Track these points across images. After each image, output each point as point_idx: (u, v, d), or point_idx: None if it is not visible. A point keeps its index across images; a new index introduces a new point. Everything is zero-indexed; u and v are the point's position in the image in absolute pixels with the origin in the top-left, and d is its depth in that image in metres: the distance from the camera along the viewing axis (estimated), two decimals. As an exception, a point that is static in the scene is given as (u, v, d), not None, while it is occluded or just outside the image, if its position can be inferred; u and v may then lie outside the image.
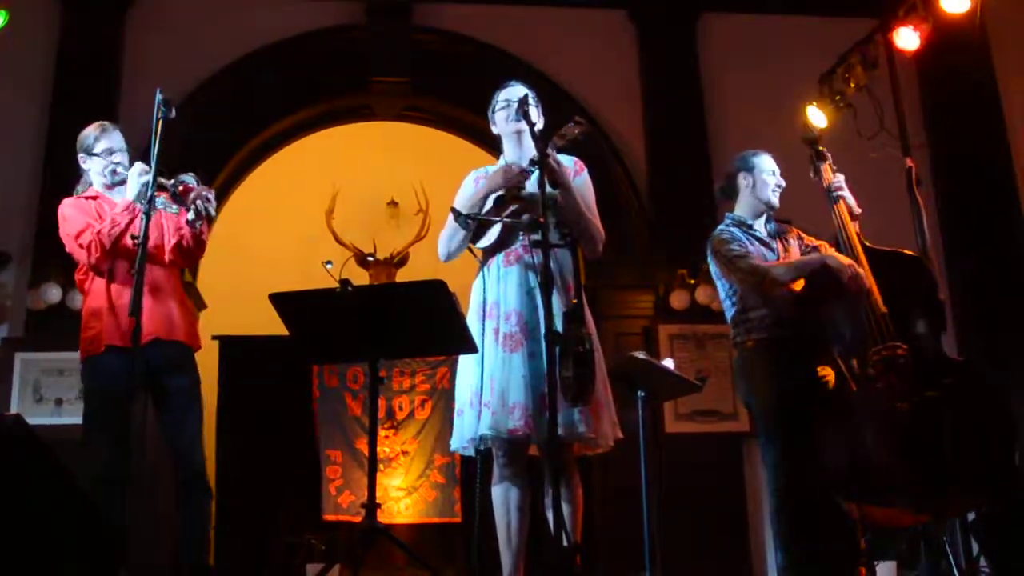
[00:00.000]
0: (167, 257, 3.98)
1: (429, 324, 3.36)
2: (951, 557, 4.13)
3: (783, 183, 4.28)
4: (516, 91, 3.67)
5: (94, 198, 4.07)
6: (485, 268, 3.60)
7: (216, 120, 6.45)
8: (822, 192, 4.32)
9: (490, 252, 3.60)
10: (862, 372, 3.89)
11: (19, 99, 6.44)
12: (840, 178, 4.28)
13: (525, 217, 3.44)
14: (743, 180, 4.29)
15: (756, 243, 4.17)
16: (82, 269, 4.00)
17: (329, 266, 7.13)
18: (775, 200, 4.24)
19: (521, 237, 3.52)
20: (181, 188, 3.81)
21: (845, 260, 3.94)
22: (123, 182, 4.00)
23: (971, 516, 4.36)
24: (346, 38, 6.88)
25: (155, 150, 3.71)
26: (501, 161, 3.78)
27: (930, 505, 3.67)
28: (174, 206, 3.92)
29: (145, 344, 3.80)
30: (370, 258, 8.34)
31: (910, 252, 4.22)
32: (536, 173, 3.33)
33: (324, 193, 8.44)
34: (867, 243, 4.15)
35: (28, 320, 6.02)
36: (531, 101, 3.62)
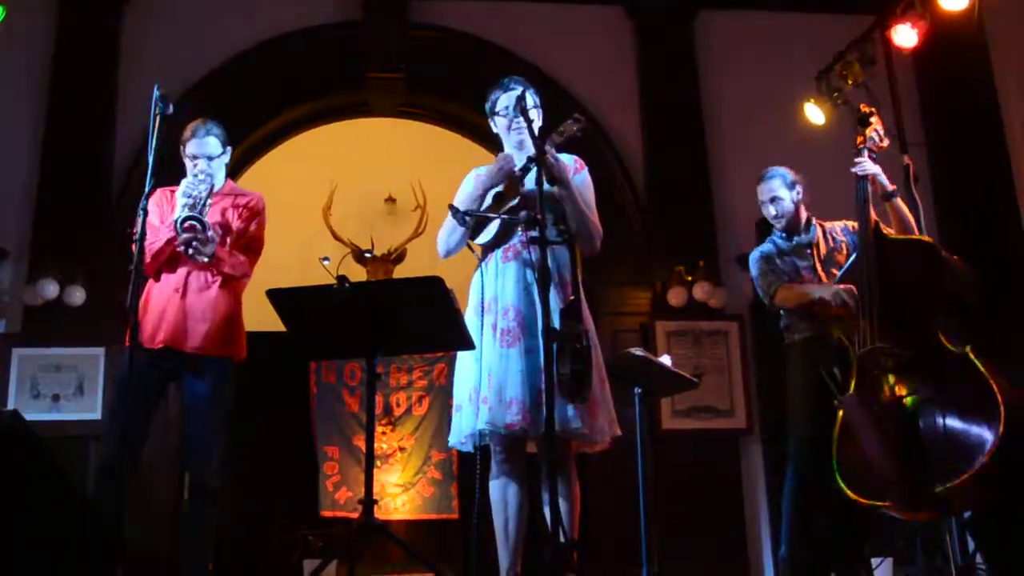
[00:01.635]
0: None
1: (426, 321, 3.36)
2: (948, 554, 4.14)
3: (772, 208, 4.46)
4: (513, 95, 3.65)
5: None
6: (483, 264, 3.60)
7: (213, 116, 6.40)
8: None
9: (488, 248, 3.60)
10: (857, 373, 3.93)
11: (16, 94, 6.43)
12: (862, 161, 4.26)
13: (523, 214, 3.43)
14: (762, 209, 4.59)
15: (790, 254, 4.42)
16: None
17: (326, 262, 7.11)
18: (778, 224, 4.49)
19: (519, 233, 3.53)
20: (187, 224, 3.84)
21: (832, 289, 4.09)
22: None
23: (967, 513, 4.36)
24: (343, 34, 6.87)
25: (152, 145, 3.71)
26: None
27: (924, 504, 3.67)
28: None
29: (160, 349, 3.87)
30: (367, 254, 8.35)
31: (923, 239, 4.19)
32: (535, 170, 3.33)
33: (321, 189, 8.45)
34: (884, 230, 4.15)
35: (25, 316, 6.01)
36: (529, 99, 3.61)
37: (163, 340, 3.87)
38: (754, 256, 4.51)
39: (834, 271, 4.31)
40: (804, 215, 4.48)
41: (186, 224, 3.84)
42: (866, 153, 4.27)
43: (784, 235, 4.48)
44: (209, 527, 3.97)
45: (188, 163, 4.10)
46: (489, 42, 6.94)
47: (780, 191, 4.43)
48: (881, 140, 4.33)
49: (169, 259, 3.96)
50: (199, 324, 3.92)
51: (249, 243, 4.13)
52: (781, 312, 4.46)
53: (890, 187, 4.24)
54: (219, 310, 3.97)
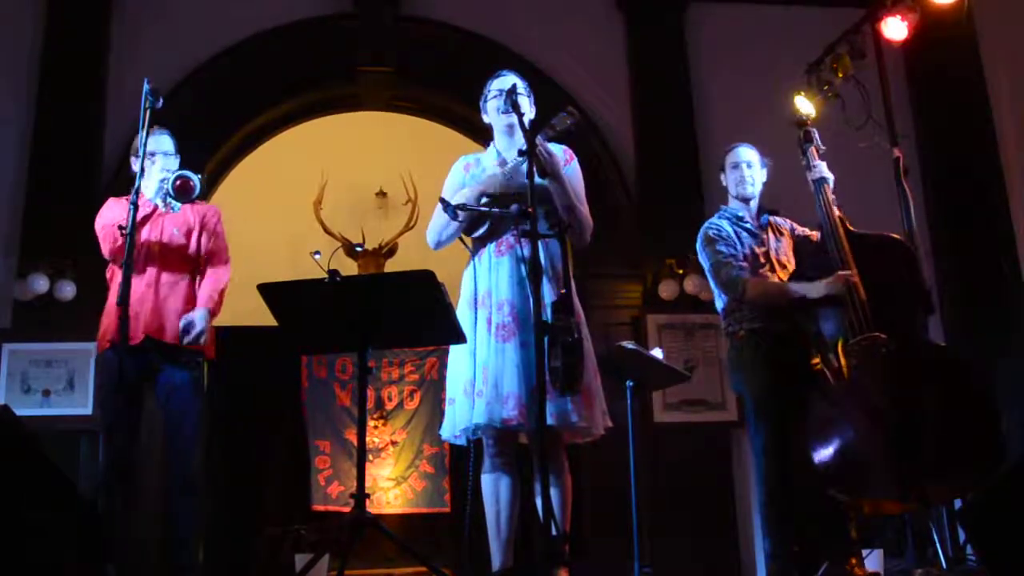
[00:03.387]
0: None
1: (418, 314, 3.36)
2: (938, 545, 4.17)
3: (748, 173, 4.34)
4: (507, 81, 3.67)
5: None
6: (476, 258, 3.60)
7: (203, 110, 6.42)
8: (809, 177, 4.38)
9: (481, 242, 3.59)
10: (845, 362, 3.93)
11: (5, 88, 6.40)
12: (818, 168, 4.30)
13: (514, 207, 3.43)
14: (723, 179, 4.45)
15: (745, 234, 4.26)
16: (109, 267, 4.11)
17: (317, 256, 7.10)
18: (746, 191, 4.33)
19: (512, 227, 3.52)
20: (179, 183, 3.90)
21: (821, 284, 4.01)
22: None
23: (958, 504, 4.39)
24: (334, 27, 6.85)
25: (143, 139, 3.72)
26: (491, 150, 3.76)
27: (913, 495, 3.69)
28: (177, 204, 3.97)
29: (141, 341, 3.93)
30: (359, 248, 8.33)
31: (894, 236, 4.22)
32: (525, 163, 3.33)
33: (312, 183, 8.43)
34: (851, 228, 4.16)
35: (15, 311, 5.99)
36: (522, 91, 3.61)
37: (144, 331, 3.95)
38: (709, 232, 4.28)
39: (784, 260, 4.25)
40: (757, 202, 4.38)
41: (177, 183, 3.90)
42: (813, 150, 4.30)
43: (740, 215, 4.33)
44: (196, 517, 4.02)
45: (146, 162, 4.10)
46: (479, 35, 6.93)
47: (754, 159, 4.37)
48: (820, 144, 4.37)
49: (138, 260, 3.99)
50: (174, 318, 4.03)
51: (217, 255, 4.25)
52: (718, 295, 4.33)
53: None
54: (192, 304, 4.10)
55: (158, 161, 4.06)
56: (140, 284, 4.01)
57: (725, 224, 4.29)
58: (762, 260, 4.22)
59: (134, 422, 3.95)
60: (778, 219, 4.41)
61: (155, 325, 3.99)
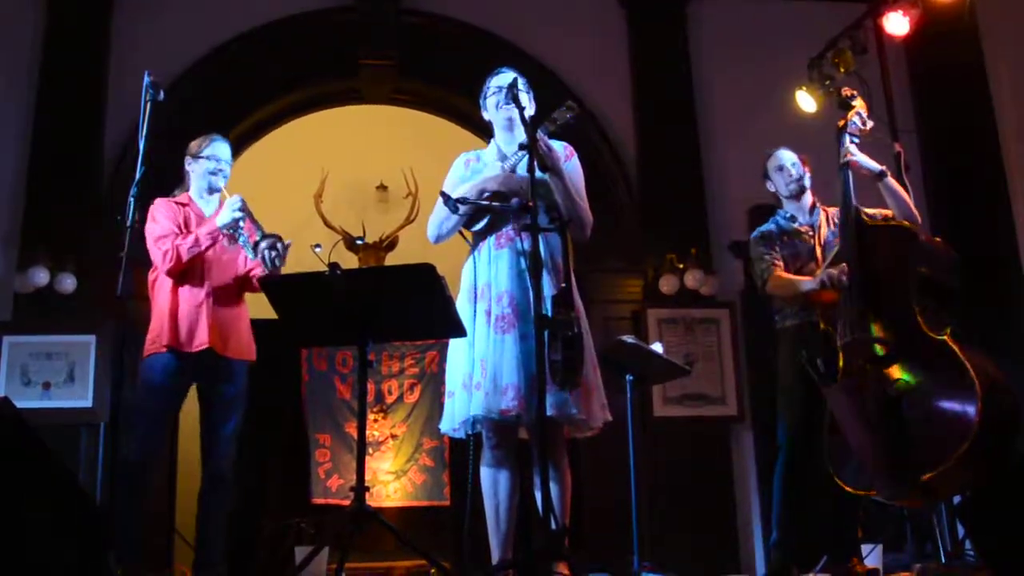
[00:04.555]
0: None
1: (418, 308, 3.36)
2: (938, 540, 4.17)
3: (794, 172, 4.45)
4: (507, 77, 3.66)
5: (185, 204, 4.24)
6: (476, 251, 3.60)
7: (204, 103, 6.41)
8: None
9: (481, 235, 3.59)
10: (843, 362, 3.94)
11: (5, 81, 6.40)
12: (847, 151, 4.27)
13: (514, 201, 3.43)
14: (769, 186, 4.58)
15: (793, 239, 4.40)
16: (154, 269, 4.14)
17: (318, 250, 7.10)
18: (795, 188, 4.46)
19: (511, 220, 3.52)
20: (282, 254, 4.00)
21: (820, 277, 4.07)
22: (217, 190, 4.25)
23: (957, 499, 4.39)
24: (335, 21, 6.84)
25: (143, 132, 3.73)
26: (492, 147, 3.76)
27: (911, 491, 3.68)
28: (252, 253, 4.03)
29: (200, 351, 4.00)
30: (359, 242, 8.32)
31: (903, 225, 4.17)
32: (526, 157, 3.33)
33: (313, 177, 8.42)
34: (864, 219, 4.14)
35: (16, 303, 5.99)
36: (522, 87, 3.60)
37: (206, 342, 4.01)
38: (755, 236, 4.50)
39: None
40: (811, 199, 4.49)
41: (264, 240, 4.01)
42: (847, 138, 4.28)
43: (788, 216, 4.47)
44: (226, 513, 4.15)
45: (203, 163, 4.22)
46: (481, 29, 6.92)
47: (796, 159, 4.50)
48: (864, 124, 4.34)
49: (194, 271, 4.08)
50: (232, 330, 4.12)
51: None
52: (772, 296, 4.47)
53: (877, 169, 4.23)
54: (242, 316, 4.21)
55: (223, 169, 4.24)
56: (199, 294, 4.07)
57: (770, 227, 4.46)
58: (806, 258, 4.34)
59: (168, 424, 4.17)
60: (836, 212, 4.43)
61: (217, 338, 4.05)
